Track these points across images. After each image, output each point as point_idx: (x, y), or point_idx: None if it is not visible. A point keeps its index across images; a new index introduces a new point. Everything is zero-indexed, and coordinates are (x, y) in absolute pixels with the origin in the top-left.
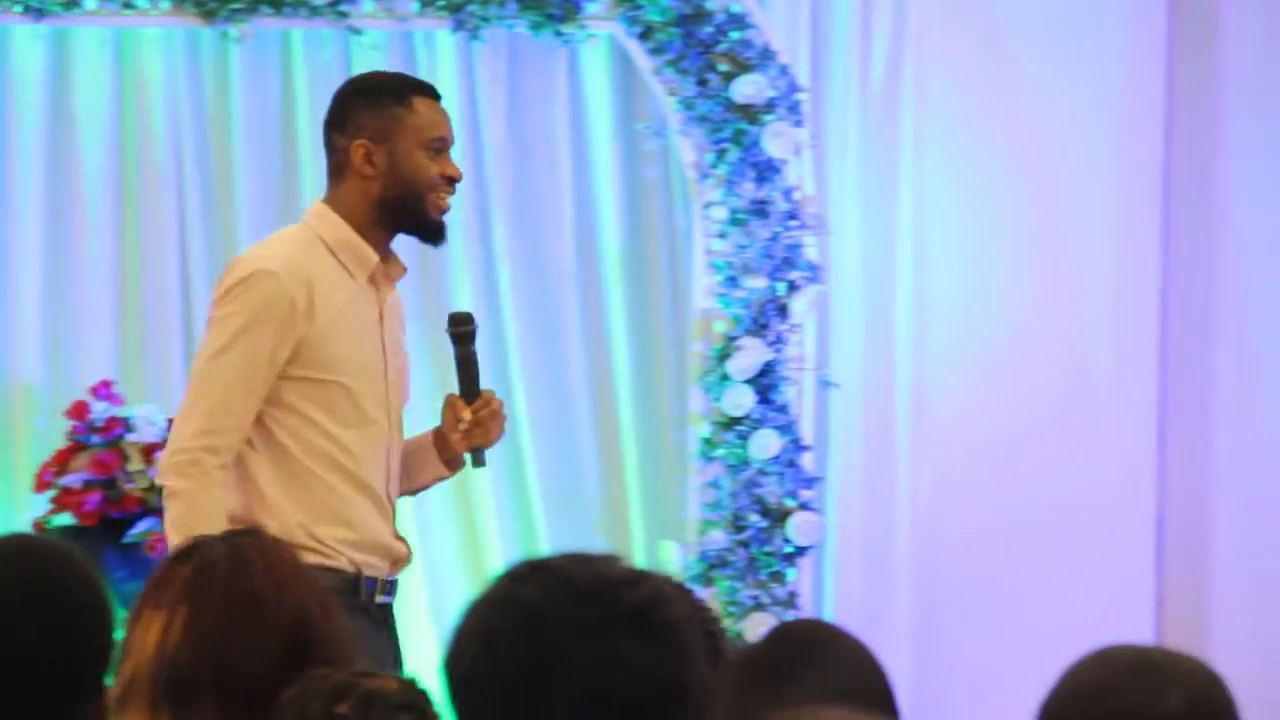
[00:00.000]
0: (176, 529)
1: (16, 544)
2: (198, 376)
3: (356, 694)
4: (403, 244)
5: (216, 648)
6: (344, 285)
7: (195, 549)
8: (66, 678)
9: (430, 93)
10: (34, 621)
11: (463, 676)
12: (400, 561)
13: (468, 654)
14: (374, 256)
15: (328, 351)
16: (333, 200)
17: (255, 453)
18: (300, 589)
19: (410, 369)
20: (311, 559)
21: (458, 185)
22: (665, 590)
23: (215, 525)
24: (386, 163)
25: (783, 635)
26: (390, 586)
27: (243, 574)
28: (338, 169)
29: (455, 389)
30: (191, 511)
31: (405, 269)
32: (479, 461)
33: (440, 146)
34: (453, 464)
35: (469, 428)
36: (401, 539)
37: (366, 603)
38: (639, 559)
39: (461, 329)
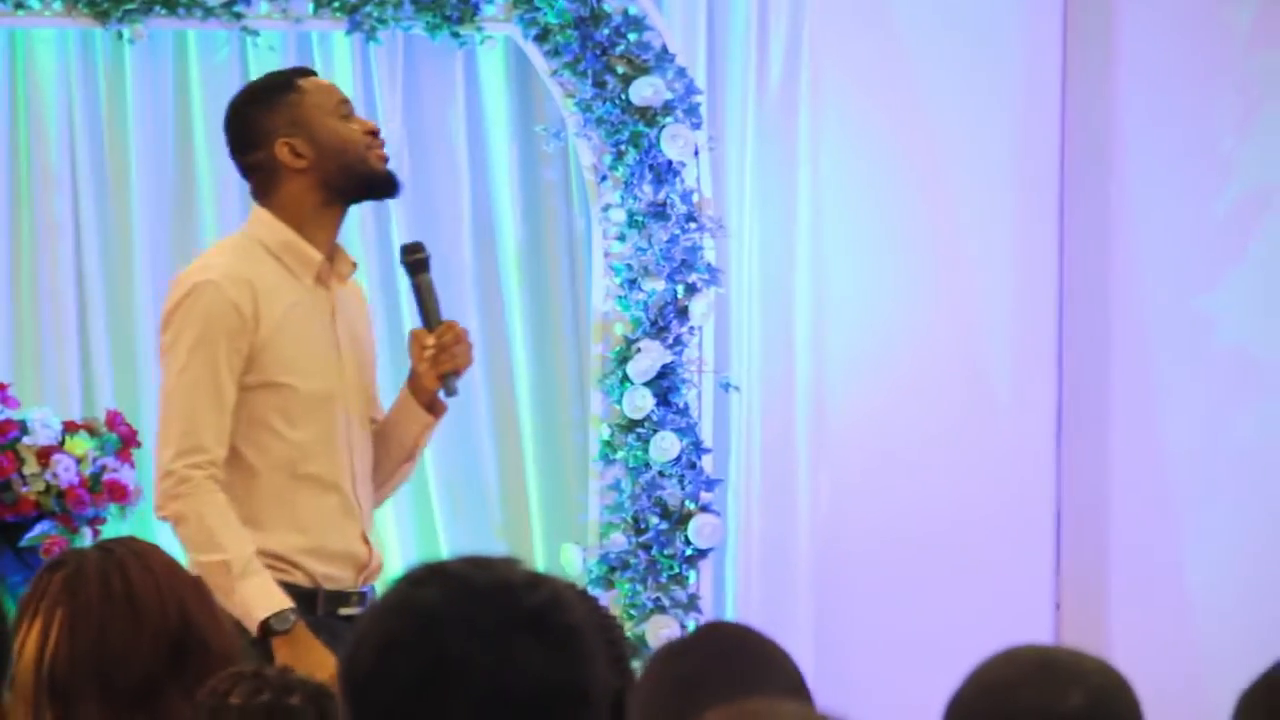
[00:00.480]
0: (196, 548)
1: None
2: (164, 401)
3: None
4: None
5: (95, 648)
6: (288, 288)
7: (68, 556)
8: None
9: (309, 72)
10: None
11: (361, 681)
12: (368, 569)
13: (366, 659)
14: (317, 256)
15: (277, 355)
16: (272, 205)
17: None
18: (180, 587)
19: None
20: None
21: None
22: (564, 593)
23: (230, 523)
24: (312, 146)
25: (707, 638)
26: (360, 598)
27: (117, 574)
28: (269, 180)
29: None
30: (202, 524)
31: (355, 264)
32: (450, 390)
33: (346, 110)
34: (434, 407)
35: (435, 354)
36: (369, 544)
37: (325, 617)
38: (539, 562)
39: (413, 257)
